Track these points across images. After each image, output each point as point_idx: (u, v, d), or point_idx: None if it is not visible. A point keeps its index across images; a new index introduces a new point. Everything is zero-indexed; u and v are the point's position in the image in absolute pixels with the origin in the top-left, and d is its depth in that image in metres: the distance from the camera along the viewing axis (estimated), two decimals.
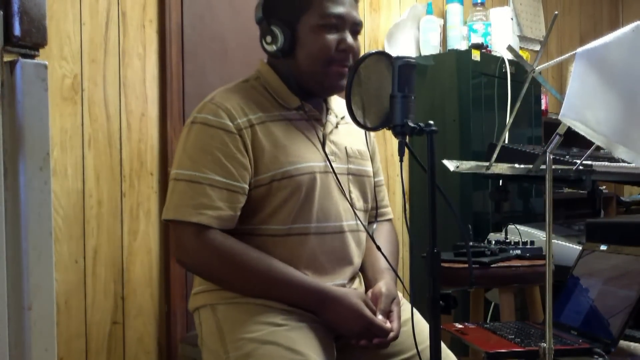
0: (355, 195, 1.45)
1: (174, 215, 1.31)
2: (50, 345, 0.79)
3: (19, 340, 0.77)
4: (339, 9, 1.36)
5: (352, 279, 1.44)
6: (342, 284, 1.40)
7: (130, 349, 2.02)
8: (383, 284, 1.39)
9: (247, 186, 1.33)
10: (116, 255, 1.99)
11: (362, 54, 1.34)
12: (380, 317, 1.32)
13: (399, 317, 1.35)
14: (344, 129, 1.48)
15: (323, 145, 1.40)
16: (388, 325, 1.32)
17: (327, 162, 1.39)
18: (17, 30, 0.77)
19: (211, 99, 1.37)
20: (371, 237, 1.46)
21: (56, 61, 1.86)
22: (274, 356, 1.23)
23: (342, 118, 1.48)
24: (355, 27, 1.40)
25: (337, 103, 1.51)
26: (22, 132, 0.78)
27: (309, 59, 1.36)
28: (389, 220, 1.62)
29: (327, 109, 1.47)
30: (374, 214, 1.57)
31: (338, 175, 1.40)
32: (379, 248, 1.42)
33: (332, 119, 1.47)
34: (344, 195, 1.41)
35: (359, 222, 1.44)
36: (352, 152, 1.46)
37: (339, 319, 1.31)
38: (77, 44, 1.91)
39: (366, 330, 1.30)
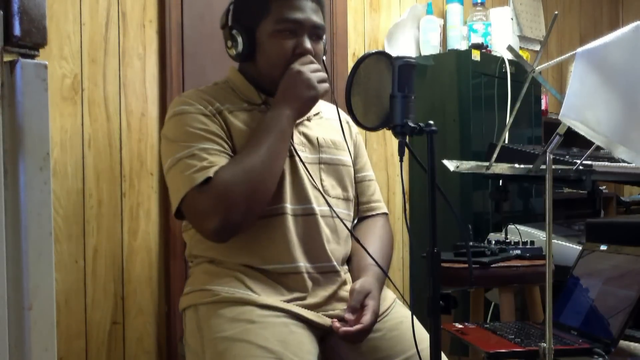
0: (329, 183, 1.48)
1: (185, 190, 1.30)
2: (50, 345, 0.79)
3: (19, 340, 0.77)
4: (297, 15, 1.39)
5: (328, 261, 1.44)
6: (324, 266, 1.42)
7: (130, 349, 2.01)
8: (359, 281, 1.40)
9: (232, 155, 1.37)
10: (116, 255, 1.99)
11: (326, 56, 1.44)
12: (347, 314, 1.33)
13: (373, 311, 1.34)
14: (317, 123, 1.53)
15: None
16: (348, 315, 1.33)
17: (293, 149, 1.42)
18: (17, 30, 0.77)
19: (179, 96, 1.45)
20: (351, 232, 1.49)
21: (56, 61, 1.86)
22: (244, 355, 1.24)
23: (316, 114, 1.54)
24: (316, 31, 1.43)
25: None
26: (22, 132, 0.78)
27: (267, 63, 1.42)
28: (383, 214, 1.63)
29: None
30: (363, 209, 1.60)
31: (307, 164, 1.44)
32: (358, 241, 1.45)
33: None
34: (313, 182, 1.44)
35: (332, 209, 1.45)
36: (325, 143, 1.50)
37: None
38: (77, 44, 1.91)
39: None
